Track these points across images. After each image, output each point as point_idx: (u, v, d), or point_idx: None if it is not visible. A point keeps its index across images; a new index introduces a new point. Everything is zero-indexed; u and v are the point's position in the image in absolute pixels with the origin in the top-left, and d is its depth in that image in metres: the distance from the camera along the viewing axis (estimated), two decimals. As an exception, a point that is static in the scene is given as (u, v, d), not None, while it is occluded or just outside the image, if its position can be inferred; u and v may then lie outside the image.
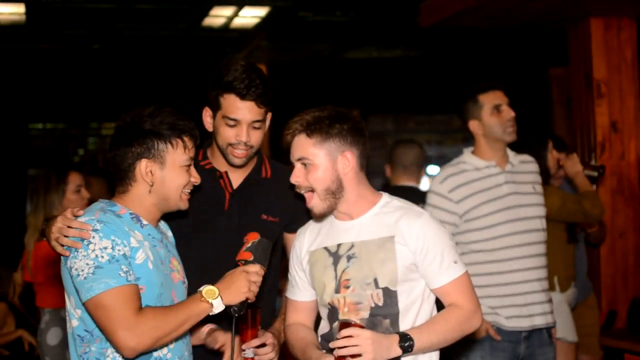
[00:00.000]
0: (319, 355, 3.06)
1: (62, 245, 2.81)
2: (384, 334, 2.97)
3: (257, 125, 3.37)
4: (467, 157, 4.61)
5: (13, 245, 5.78)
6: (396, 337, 2.95)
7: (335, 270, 3.11)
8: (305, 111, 3.12)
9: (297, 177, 3.09)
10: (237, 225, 3.42)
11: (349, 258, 3.09)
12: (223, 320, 3.03)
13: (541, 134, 5.83)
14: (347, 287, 3.07)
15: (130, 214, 2.89)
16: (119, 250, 2.75)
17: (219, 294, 2.84)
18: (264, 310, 3.44)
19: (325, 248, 3.16)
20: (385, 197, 3.20)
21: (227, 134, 3.36)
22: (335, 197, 3.09)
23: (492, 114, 4.70)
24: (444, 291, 3.09)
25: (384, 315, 3.04)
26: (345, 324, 2.94)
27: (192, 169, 2.98)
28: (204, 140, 3.51)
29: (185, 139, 2.93)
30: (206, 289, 2.83)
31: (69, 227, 2.80)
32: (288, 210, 3.54)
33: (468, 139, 14.37)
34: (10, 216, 10.72)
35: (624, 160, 6.43)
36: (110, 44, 9.99)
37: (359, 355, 2.88)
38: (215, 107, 3.37)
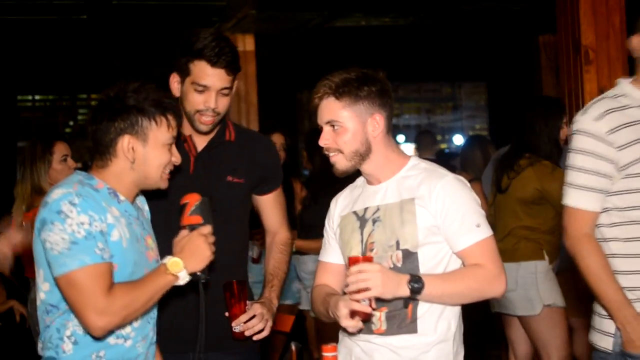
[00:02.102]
0: (337, 299, 3.04)
1: None
2: (395, 272, 2.98)
3: (225, 92, 3.43)
4: (628, 89, 3.33)
5: (4, 217, 5.77)
6: (407, 276, 2.95)
7: (362, 233, 3.14)
8: (332, 74, 3.12)
9: (326, 139, 3.11)
10: (203, 187, 3.42)
11: (374, 221, 3.12)
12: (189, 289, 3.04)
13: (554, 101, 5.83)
14: (372, 250, 3.09)
15: (108, 188, 2.86)
16: (96, 226, 2.73)
17: (184, 265, 2.82)
18: (236, 274, 3.46)
19: (354, 212, 3.20)
20: (413, 159, 3.22)
21: (195, 100, 3.41)
22: (362, 159, 3.11)
23: None
24: (466, 254, 3.07)
25: None
26: (355, 259, 2.94)
27: (174, 148, 2.95)
28: None
29: (169, 117, 2.91)
30: (170, 262, 2.82)
31: None
32: (254, 172, 3.60)
33: (458, 107, 14.45)
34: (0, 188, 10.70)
35: (612, 126, 6.43)
36: (99, 14, 9.92)
37: (368, 289, 2.89)
38: (184, 73, 3.42)
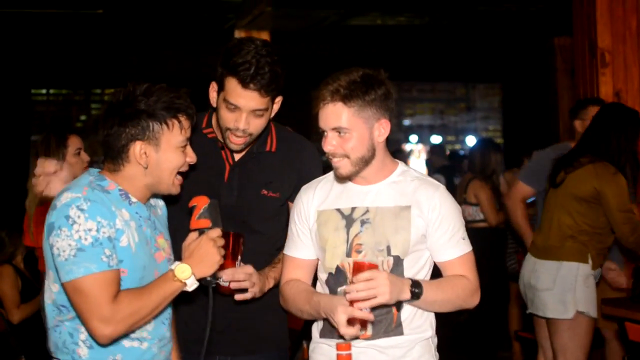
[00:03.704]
0: (330, 302, 3.00)
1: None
2: (397, 276, 2.98)
3: (259, 113, 3.23)
4: None
5: (17, 211, 5.79)
6: (408, 281, 2.97)
7: (348, 233, 3.09)
8: (335, 76, 3.01)
9: (332, 145, 3.01)
10: (236, 199, 3.36)
11: (362, 223, 3.07)
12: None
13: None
14: (359, 252, 3.06)
15: (120, 190, 2.81)
16: (103, 232, 2.69)
17: (192, 271, 2.78)
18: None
19: (338, 210, 3.13)
20: (402, 165, 3.19)
21: (226, 117, 3.23)
22: (366, 164, 3.05)
23: None
24: (450, 265, 3.11)
25: None
26: (360, 265, 2.91)
27: (188, 148, 2.88)
28: (208, 108, 3.46)
29: (182, 118, 2.82)
30: (178, 268, 2.76)
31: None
32: (291, 184, 3.44)
33: (471, 108, 14.47)
34: (14, 182, 10.75)
35: (627, 129, 6.41)
36: (114, 8, 9.95)
37: (375, 297, 2.87)
38: (220, 87, 3.25)
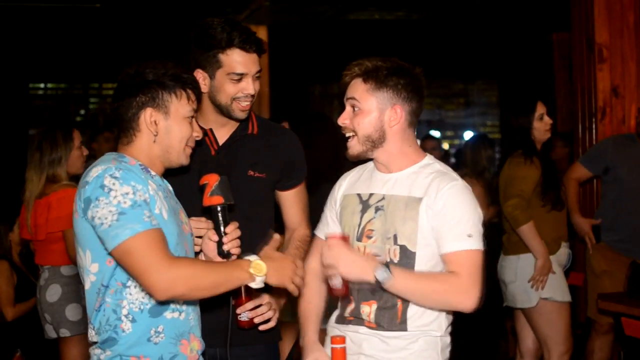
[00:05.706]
0: (312, 346, 3.22)
1: None
2: (365, 257, 3.02)
3: (258, 75, 3.42)
4: None
5: (15, 204, 5.79)
6: (374, 265, 2.95)
7: (361, 218, 3.15)
8: (369, 58, 3.16)
9: (345, 118, 3.16)
10: None
11: (376, 209, 3.13)
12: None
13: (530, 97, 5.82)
14: (370, 238, 3.12)
15: (140, 164, 2.86)
16: (140, 195, 2.72)
17: (266, 273, 2.85)
18: None
19: (358, 194, 3.22)
20: (428, 158, 3.20)
21: (232, 90, 3.37)
22: (374, 146, 3.13)
23: None
24: (448, 259, 3.02)
25: None
26: (332, 235, 3.06)
27: (195, 122, 2.96)
28: None
29: (189, 90, 2.92)
30: (256, 262, 2.83)
31: None
32: (276, 166, 3.55)
33: (469, 103, 14.43)
34: (10, 176, 10.74)
35: (624, 125, 6.42)
36: (112, 3, 9.94)
37: (335, 266, 2.97)
38: (214, 67, 3.35)
